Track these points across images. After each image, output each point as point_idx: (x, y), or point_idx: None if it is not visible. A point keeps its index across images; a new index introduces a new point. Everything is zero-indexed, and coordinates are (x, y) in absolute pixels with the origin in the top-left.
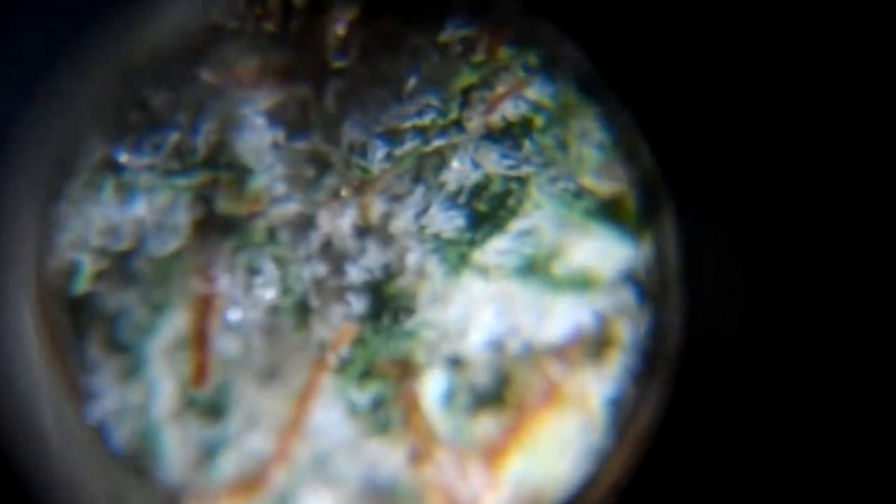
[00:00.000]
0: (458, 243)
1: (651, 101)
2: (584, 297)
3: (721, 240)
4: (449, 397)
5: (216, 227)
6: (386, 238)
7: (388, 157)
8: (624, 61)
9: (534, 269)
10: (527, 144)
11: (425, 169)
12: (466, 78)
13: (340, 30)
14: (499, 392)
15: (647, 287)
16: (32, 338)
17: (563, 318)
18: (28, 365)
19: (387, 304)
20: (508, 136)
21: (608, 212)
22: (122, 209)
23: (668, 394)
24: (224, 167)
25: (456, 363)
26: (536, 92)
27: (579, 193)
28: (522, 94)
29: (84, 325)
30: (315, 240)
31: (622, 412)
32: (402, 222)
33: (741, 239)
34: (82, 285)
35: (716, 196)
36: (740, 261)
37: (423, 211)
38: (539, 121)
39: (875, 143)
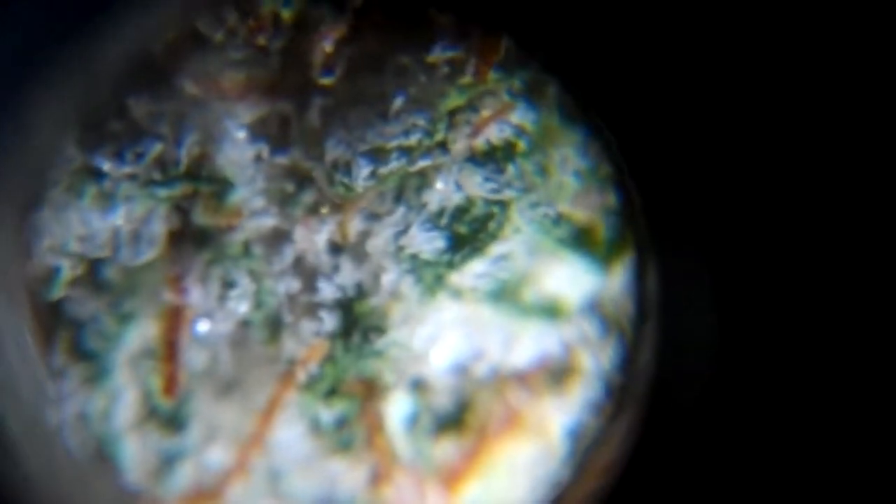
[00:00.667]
0: (436, 265)
1: (631, 131)
2: (552, 324)
3: (696, 274)
4: (413, 420)
5: (192, 239)
6: (361, 256)
7: (372, 175)
8: (605, 89)
9: (506, 294)
10: (510, 169)
11: (408, 189)
12: (453, 100)
13: (327, 47)
14: (460, 416)
15: (611, 319)
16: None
17: (529, 344)
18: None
19: (358, 322)
20: (492, 159)
21: (580, 240)
22: (100, 217)
23: (637, 430)
24: (204, 179)
25: (420, 385)
26: (520, 117)
27: (558, 220)
28: (507, 119)
29: (54, 330)
30: (290, 255)
31: (582, 443)
32: (380, 241)
33: (717, 274)
34: (58, 290)
35: (693, 230)
36: (715, 295)
37: (403, 231)
38: (522, 146)
39: (851, 182)
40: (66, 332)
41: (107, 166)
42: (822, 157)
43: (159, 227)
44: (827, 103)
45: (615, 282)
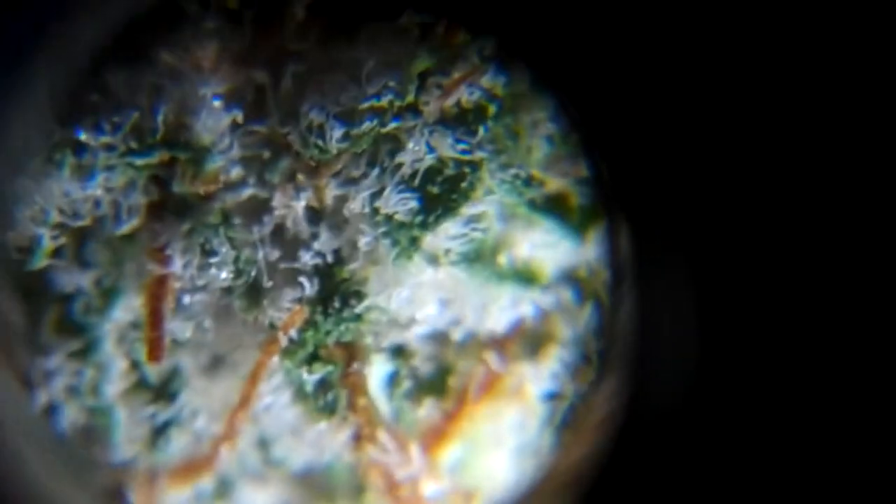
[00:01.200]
0: (410, 226)
1: (601, 100)
2: (527, 290)
3: (671, 247)
4: (393, 382)
5: (172, 208)
6: (339, 221)
7: (345, 137)
8: (575, 61)
9: (481, 258)
10: (480, 131)
11: (380, 151)
12: (423, 62)
13: (299, 13)
14: (440, 379)
15: (587, 285)
16: None
17: (505, 309)
18: None
19: (337, 287)
20: (462, 121)
21: (553, 206)
22: (80, 187)
23: (621, 395)
24: (181, 148)
25: (400, 350)
26: (490, 80)
27: (528, 182)
28: (477, 82)
29: (38, 306)
30: (269, 222)
31: (560, 408)
32: (356, 205)
33: (693, 244)
34: (40, 261)
35: (666, 200)
36: (691, 264)
37: (377, 193)
38: (492, 109)
39: (826, 159)
40: (52, 307)
41: (85, 137)
42: (789, 128)
43: (139, 197)
44: (800, 85)
45: (590, 249)
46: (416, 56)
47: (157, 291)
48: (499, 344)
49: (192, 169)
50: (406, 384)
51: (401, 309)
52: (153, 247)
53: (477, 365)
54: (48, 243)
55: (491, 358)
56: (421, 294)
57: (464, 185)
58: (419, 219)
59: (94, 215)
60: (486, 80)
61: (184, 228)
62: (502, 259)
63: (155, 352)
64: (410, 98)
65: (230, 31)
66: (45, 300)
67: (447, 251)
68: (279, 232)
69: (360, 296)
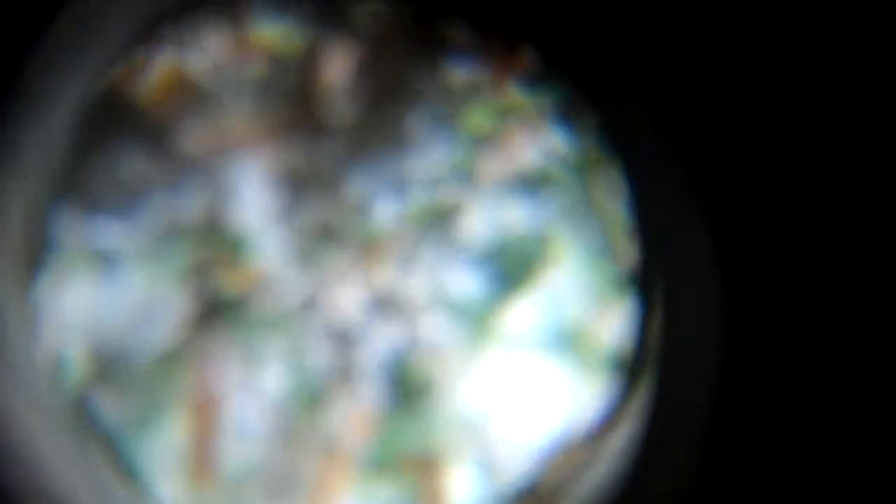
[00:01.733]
0: (478, 308)
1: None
2: (613, 378)
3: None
4: (480, 497)
5: (211, 312)
6: (397, 309)
7: (398, 213)
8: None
9: (560, 342)
10: (548, 197)
11: (437, 225)
12: (477, 121)
13: (339, 78)
14: (533, 488)
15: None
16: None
17: (594, 401)
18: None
19: (403, 386)
20: (527, 186)
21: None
22: (106, 296)
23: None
24: (218, 242)
25: (484, 457)
26: (554, 139)
27: (608, 255)
28: (539, 142)
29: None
30: (320, 318)
31: None
32: (415, 288)
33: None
34: (72, 384)
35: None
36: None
37: (436, 274)
38: (559, 172)
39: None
40: (90, 436)
41: (108, 237)
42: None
43: (175, 303)
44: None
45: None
46: (469, 116)
47: (204, 409)
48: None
49: (231, 265)
50: (494, 499)
51: (478, 406)
52: (196, 359)
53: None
54: (78, 364)
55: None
56: (500, 386)
57: (534, 258)
58: (487, 299)
59: (126, 326)
60: (549, 139)
61: (227, 334)
62: (586, 341)
63: (208, 476)
64: (466, 162)
65: (264, 100)
66: (84, 432)
67: (521, 334)
68: (332, 328)
69: (429, 393)
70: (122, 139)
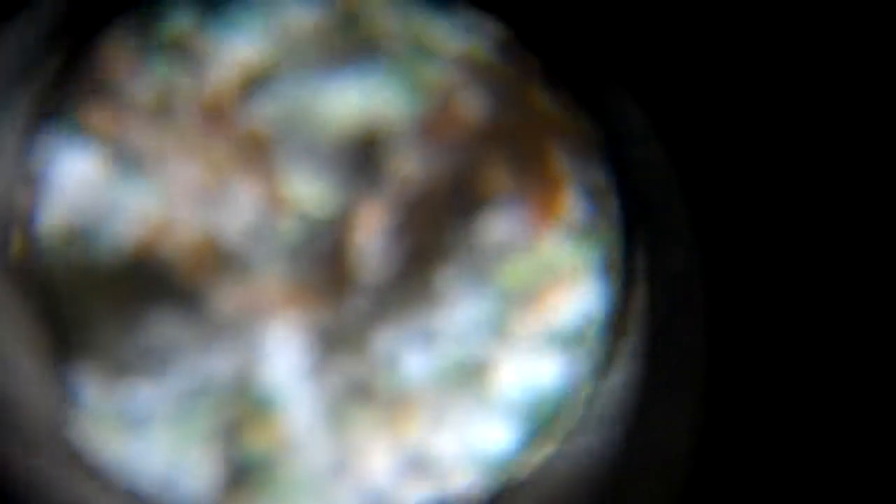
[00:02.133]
0: (508, 465)
1: None
2: None
3: None
4: None
5: (241, 474)
6: (429, 468)
7: (426, 368)
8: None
9: None
10: (582, 353)
11: (467, 381)
12: (510, 277)
13: (372, 239)
14: None
15: None
16: None
17: None
18: None
19: None
20: (560, 343)
21: None
22: (135, 458)
23: None
24: (247, 401)
25: None
26: (588, 294)
27: None
28: (574, 296)
29: None
30: (352, 481)
31: None
32: (447, 445)
33: None
34: None
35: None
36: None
37: (467, 429)
38: (594, 327)
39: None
40: None
41: (133, 400)
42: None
43: (204, 465)
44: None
45: None
46: (503, 271)
47: None
48: None
49: (260, 425)
50: None
51: None
52: None
53: None
54: None
55: None
56: None
57: (566, 416)
58: (517, 456)
59: (153, 492)
60: (583, 294)
61: (255, 499)
62: None
63: None
64: (497, 318)
65: (296, 268)
66: None
67: None
68: (363, 489)
69: None
70: (152, 303)
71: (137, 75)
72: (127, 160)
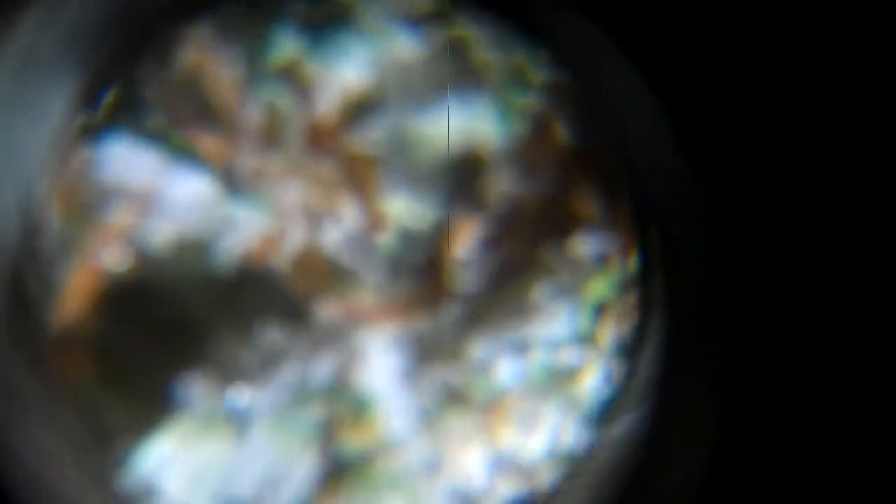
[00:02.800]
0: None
1: None
2: None
3: None
4: None
5: (338, 471)
6: (519, 469)
7: (518, 373)
8: None
9: None
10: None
11: (557, 387)
12: (599, 290)
13: (467, 252)
14: None
15: None
16: None
17: None
18: None
19: None
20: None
21: None
22: (238, 455)
23: None
24: (345, 403)
25: None
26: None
27: None
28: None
29: None
30: (443, 482)
31: None
32: (536, 448)
33: None
34: None
35: None
36: None
37: (556, 433)
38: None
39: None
40: None
41: (238, 399)
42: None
43: (304, 464)
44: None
45: None
46: (592, 284)
47: None
48: None
49: (357, 427)
50: None
51: None
52: None
53: None
54: None
55: None
56: None
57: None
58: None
59: (254, 489)
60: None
61: (352, 495)
62: None
63: None
64: (587, 329)
65: (394, 279)
66: None
67: None
68: (455, 488)
69: None
70: (261, 313)
71: (247, 101)
72: (237, 180)
